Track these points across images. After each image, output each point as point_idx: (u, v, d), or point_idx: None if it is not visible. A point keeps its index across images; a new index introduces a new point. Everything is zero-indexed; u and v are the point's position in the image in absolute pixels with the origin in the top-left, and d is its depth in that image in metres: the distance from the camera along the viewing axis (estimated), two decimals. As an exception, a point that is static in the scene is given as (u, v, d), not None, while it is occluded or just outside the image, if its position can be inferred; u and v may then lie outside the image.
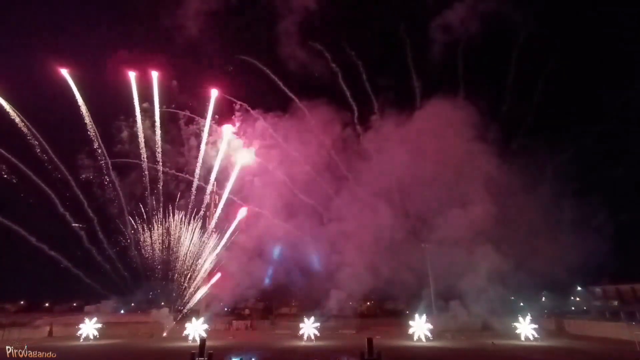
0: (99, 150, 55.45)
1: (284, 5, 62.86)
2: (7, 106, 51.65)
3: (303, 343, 40.36)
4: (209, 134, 57.96)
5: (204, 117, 58.31)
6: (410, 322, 41.90)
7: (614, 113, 56.41)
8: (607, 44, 60.75)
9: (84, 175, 55.13)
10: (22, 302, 76.75)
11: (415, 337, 40.40)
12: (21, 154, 53.36)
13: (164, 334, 46.91)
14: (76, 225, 53.64)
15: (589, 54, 60.61)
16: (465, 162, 52.39)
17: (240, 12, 64.45)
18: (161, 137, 57.12)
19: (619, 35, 59.76)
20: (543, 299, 74.58)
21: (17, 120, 52.70)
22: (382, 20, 66.54)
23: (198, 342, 23.98)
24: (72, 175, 55.54)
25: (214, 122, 58.51)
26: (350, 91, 62.19)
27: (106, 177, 55.51)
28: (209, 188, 56.37)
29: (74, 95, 54.28)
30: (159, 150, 56.49)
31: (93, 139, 55.30)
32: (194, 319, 42.64)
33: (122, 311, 65.18)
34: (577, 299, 79.41)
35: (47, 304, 78.73)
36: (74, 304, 78.20)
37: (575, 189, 52.89)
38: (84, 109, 54.49)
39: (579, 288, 76.64)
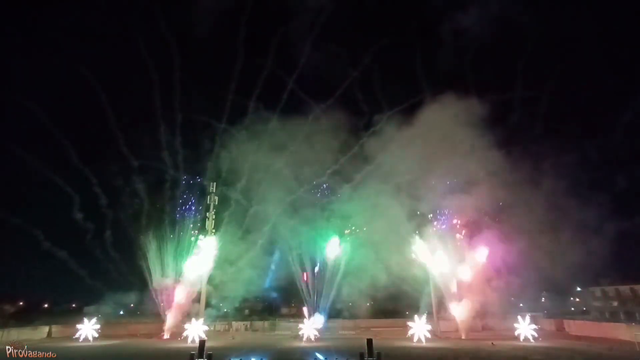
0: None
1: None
2: None
3: (303, 344, 40.36)
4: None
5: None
6: (410, 323, 41.91)
7: (622, 117, 56.91)
8: (616, 48, 61.53)
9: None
10: (20, 303, 76.74)
11: (415, 338, 40.38)
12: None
13: (166, 335, 46.81)
14: None
15: (598, 58, 61.49)
16: (470, 162, 52.36)
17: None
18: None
19: (629, 39, 60.57)
20: (543, 299, 74.77)
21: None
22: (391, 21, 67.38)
23: (197, 343, 23.93)
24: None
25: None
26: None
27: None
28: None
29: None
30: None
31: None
32: (193, 319, 42.60)
33: (121, 312, 65.21)
34: (577, 299, 79.70)
35: (46, 305, 78.83)
36: (73, 305, 78.33)
37: (576, 190, 52.97)
38: None
39: (578, 289, 76.87)
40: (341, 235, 57.26)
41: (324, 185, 59.77)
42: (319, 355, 29.95)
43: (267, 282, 61.18)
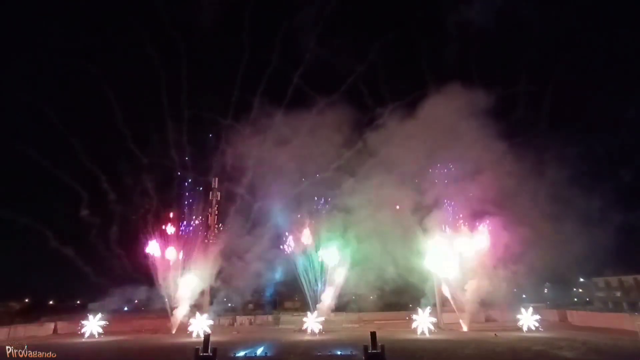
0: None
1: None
2: None
3: (307, 337, 40.60)
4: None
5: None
6: (414, 316, 42.07)
7: (627, 109, 56.73)
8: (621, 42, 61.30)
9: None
10: (26, 300, 77.32)
11: (419, 331, 40.56)
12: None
13: (173, 331, 47.14)
14: None
15: (604, 51, 61.35)
16: (474, 153, 52.27)
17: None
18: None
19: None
20: (545, 290, 74.86)
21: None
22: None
23: (202, 338, 24.07)
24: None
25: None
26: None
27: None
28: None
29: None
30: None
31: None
32: (197, 314, 42.84)
33: (125, 308, 65.51)
34: (580, 290, 79.77)
35: (51, 302, 79.45)
36: (78, 302, 78.88)
37: (580, 180, 52.89)
38: None
39: (581, 279, 76.90)
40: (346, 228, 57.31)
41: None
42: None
43: (271, 276, 61.32)
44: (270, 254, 57.08)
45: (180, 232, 53.27)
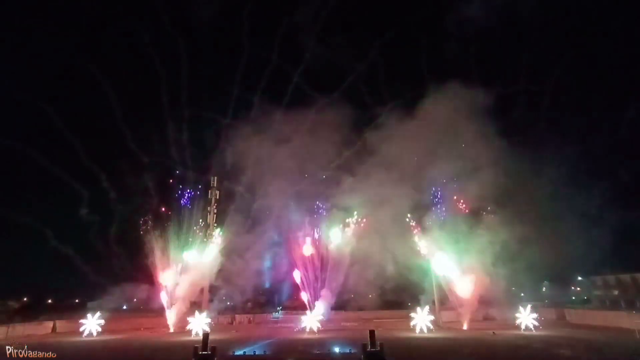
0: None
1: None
2: None
3: (305, 336, 40.60)
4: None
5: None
6: (412, 314, 42.13)
7: (627, 110, 56.90)
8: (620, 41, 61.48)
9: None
10: (25, 299, 77.22)
11: (418, 329, 40.63)
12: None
13: (171, 329, 47.12)
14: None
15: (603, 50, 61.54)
16: (473, 152, 52.32)
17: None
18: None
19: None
20: (544, 289, 75.11)
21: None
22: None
23: (201, 337, 24.08)
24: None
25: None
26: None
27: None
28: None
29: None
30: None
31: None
32: (197, 313, 42.80)
33: (124, 307, 65.55)
34: (578, 288, 79.98)
35: (50, 301, 79.39)
36: (76, 300, 78.84)
37: (578, 179, 53.04)
38: None
39: (579, 278, 77.11)
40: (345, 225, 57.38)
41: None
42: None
43: (270, 275, 61.46)
44: (270, 252, 57.26)
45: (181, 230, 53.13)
